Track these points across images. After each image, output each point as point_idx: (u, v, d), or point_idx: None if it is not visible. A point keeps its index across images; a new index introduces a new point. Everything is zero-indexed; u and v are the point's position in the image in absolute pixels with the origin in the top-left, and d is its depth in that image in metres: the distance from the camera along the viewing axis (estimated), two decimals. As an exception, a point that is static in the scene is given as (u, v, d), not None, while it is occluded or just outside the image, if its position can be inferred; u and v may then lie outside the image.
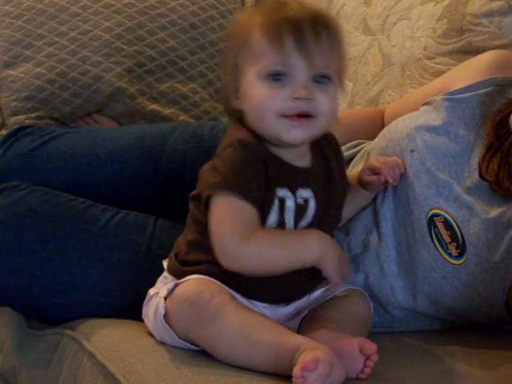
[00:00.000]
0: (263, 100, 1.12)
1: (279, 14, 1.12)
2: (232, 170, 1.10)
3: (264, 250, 1.11)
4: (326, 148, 1.22)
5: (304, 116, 1.12)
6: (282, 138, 1.12)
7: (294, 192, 1.14)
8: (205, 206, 1.13)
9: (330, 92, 1.14)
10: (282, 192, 1.14)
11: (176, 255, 1.22)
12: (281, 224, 1.14)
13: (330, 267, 1.13)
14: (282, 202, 1.14)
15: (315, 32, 1.11)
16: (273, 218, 1.13)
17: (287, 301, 1.21)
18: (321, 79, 1.13)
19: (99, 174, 1.57)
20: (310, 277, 1.20)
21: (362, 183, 1.31)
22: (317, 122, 1.13)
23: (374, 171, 1.30)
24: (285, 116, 1.11)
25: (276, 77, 1.11)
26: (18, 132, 1.63)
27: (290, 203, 1.14)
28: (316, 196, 1.16)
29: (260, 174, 1.12)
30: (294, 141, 1.13)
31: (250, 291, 1.17)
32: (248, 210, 1.10)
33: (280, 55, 1.11)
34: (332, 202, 1.21)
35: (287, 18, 1.11)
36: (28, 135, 1.62)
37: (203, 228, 1.15)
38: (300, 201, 1.15)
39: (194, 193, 1.19)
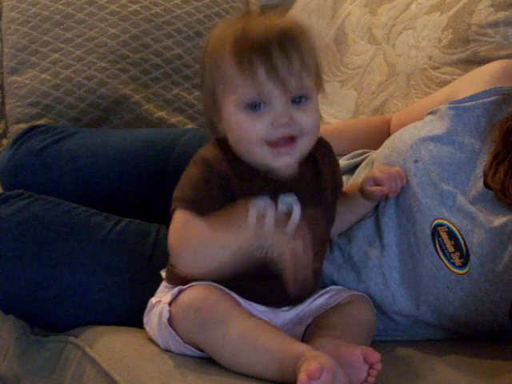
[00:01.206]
0: (245, 131, 1.13)
1: (246, 39, 1.12)
2: (189, 187, 1.14)
3: (197, 242, 1.11)
4: (320, 158, 1.23)
5: (289, 138, 1.13)
6: (271, 165, 1.15)
7: (275, 199, 1.15)
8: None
9: (310, 108, 1.15)
10: (262, 202, 1.13)
11: (172, 265, 1.22)
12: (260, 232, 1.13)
13: (282, 265, 1.09)
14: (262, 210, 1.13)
15: (285, 55, 1.11)
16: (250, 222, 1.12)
17: (290, 304, 1.21)
18: (298, 99, 1.14)
19: (107, 173, 1.58)
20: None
21: (363, 193, 1.31)
22: (301, 141, 1.14)
23: (376, 182, 1.30)
24: (270, 144, 1.13)
25: (253, 106, 1.12)
26: (31, 130, 1.64)
27: (270, 211, 1.13)
28: (302, 201, 1.17)
29: (216, 190, 1.13)
30: (283, 167, 1.15)
31: (252, 293, 1.17)
32: (196, 220, 1.12)
33: (254, 86, 1.11)
34: (322, 208, 1.21)
35: (255, 45, 1.11)
36: (40, 134, 1.63)
37: None
38: (282, 208, 1.16)
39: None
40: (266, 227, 1.11)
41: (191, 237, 1.12)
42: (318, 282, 1.27)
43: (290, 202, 1.17)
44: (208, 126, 1.21)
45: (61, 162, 1.58)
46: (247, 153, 1.15)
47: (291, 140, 1.14)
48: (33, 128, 1.65)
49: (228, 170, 1.15)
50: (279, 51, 1.11)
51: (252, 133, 1.13)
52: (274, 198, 1.16)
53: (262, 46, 1.11)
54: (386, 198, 1.32)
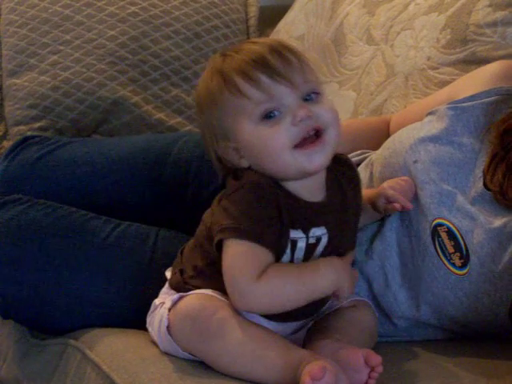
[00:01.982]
0: (269, 142, 1.10)
1: (237, 62, 1.12)
2: (244, 214, 1.08)
3: (277, 287, 1.08)
4: (340, 175, 1.20)
5: (315, 135, 1.11)
6: (307, 169, 1.11)
7: (306, 232, 1.13)
8: (216, 246, 1.11)
9: (324, 102, 1.14)
10: (295, 233, 1.12)
11: (181, 271, 1.21)
12: (290, 261, 1.13)
13: (345, 292, 1.11)
14: (294, 243, 1.12)
15: (282, 58, 1.11)
16: (285, 259, 1.13)
17: (297, 320, 1.20)
18: (309, 96, 1.12)
19: (103, 182, 1.58)
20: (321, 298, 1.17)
21: (376, 208, 1.29)
22: (328, 134, 1.12)
23: (389, 200, 1.27)
24: (298, 146, 1.10)
25: (269, 115, 1.10)
26: (25, 141, 1.63)
27: (301, 244, 1.13)
28: (329, 231, 1.15)
29: (273, 217, 1.10)
30: (319, 167, 1.12)
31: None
32: (261, 253, 1.08)
33: (262, 93, 1.10)
34: (345, 231, 1.20)
35: (250, 60, 1.11)
36: (34, 144, 1.63)
37: (210, 260, 1.14)
38: (312, 240, 1.14)
39: (204, 218, 1.18)
40: (295, 257, 1.13)
41: (271, 277, 1.08)
42: None
43: (319, 234, 1.14)
44: (224, 174, 1.17)
45: (56, 172, 1.58)
46: (280, 167, 1.11)
47: (317, 136, 1.11)
48: (26, 139, 1.64)
49: (278, 193, 1.11)
50: (274, 56, 1.11)
51: (276, 141, 1.10)
52: (306, 228, 1.13)
53: (257, 56, 1.11)
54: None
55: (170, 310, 1.16)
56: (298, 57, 1.12)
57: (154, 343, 1.21)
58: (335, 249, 1.17)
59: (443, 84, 1.62)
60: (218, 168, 1.18)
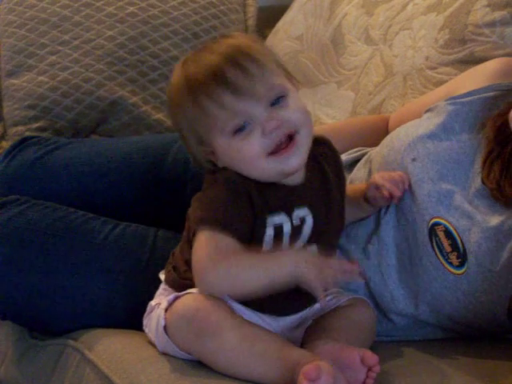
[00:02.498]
0: (244, 154, 1.13)
1: (197, 78, 1.13)
2: (215, 206, 1.12)
3: (233, 273, 1.10)
4: (321, 157, 1.23)
5: (289, 139, 1.13)
6: (285, 171, 1.14)
7: (290, 215, 1.15)
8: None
9: (292, 103, 1.15)
10: (278, 218, 1.14)
11: (174, 268, 1.23)
12: (276, 250, 1.15)
13: (310, 283, 1.09)
14: (280, 228, 1.15)
15: (241, 69, 1.12)
16: (267, 247, 1.14)
17: (292, 312, 1.21)
18: (276, 101, 1.14)
19: (102, 182, 1.58)
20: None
21: (367, 199, 1.31)
22: (300, 136, 1.14)
23: (378, 188, 1.29)
24: (272, 153, 1.12)
25: (239, 129, 1.12)
26: (23, 142, 1.64)
27: (286, 228, 1.15)
28: (313, 211, 1.17)
29: (244, 208, 1.12)
30: (296, 168, 1.15)
31: (255, 304, 1.17)
32: (226, 241, 1.11)
33: (227, 113, 1.12)
34: (331, 211, 1.21)
35: (210, 75, 1.12)
36: (32, 145, 1.63)
37: None
38: (296, 222, 1.16)
39: (188, 213, 1.20)
40: (283, 246, 1.14)
41: (226, 261, 1.10)
42: None
43: (303, 215, 1.17)
44: (199, 165, 1.21)
45: (55, 172, 1.58)
46: (258, 173, 1.14)
47: (290, 139, 1.13)
48: (24, 140, 1.65)
49: (249, 184, 1.14)
50: (233, 67, 1.12)
51: (251, 153, 1.12)
52: (289, 211, 1.16)
53: (216, 72, 1.12)
54: (389, 205, 1.32)
55: (166, 310, 1.16)
56: (258, 63, 1.13)
57: (152, 344, 1.21)
58: (323, 231, 1.19)
59: (441, 84, 1.62)
60: (197, 165, 1.21)
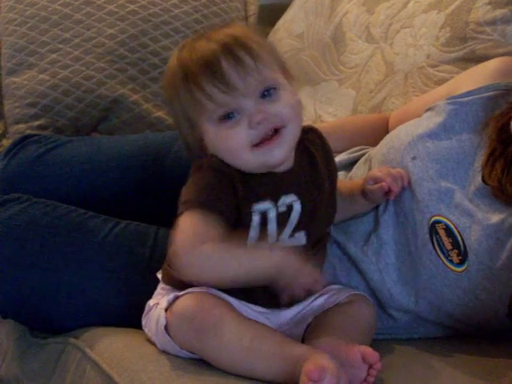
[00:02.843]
0: (228, 143, 1.14)
1: (193, 64, 1.14)
2: (197, 189, 1.14)
3: (211, 262, 1.10)
4: (310, 144, 1.24)
5: (274, 132, 1.13)
6: (268, 163, 1.14)
7: (276, 201, 1.16)
8: None
9: (283, 97, 1.15)
10: (263, 205, 1.15)
11: (169, 265, 1.22)
12: (263, 237, 1.15)
13: (283, 288, 1.10)
14: (264, 215, 1.15)
15: (235, 60, 1.12)
16: (253, 233, 1.15)
17: (289, 304, 1.21)
18: (267, 93, 1.14)
19: (103, 180, 1.58)
20: None
21: (364, 193, 1.31)
22: (286, 130, 1.14)
23: (376, 181, 1.30)
24: (256, 146, 1.13)
25: (227, 116, 1.13)
26: (24, 140, 1.64)
27: (271, 214, 1.15)
28: (301, 198, 1.17)
29: (226, 191, 1.13)
30: (280, 161, 1.15)
31: (251, 296, 1.17)
32: (209, 221, 1.11)
33: (218, 101, 1.13)
34: (321, 198, 1.21)
35: (204, 66, 1.13)
36: (33, 143, 1.63)
37: None
38: (282, 208, 1.16)
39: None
40: (269, 232, 1.15)
41: (211, 245, 1.10)
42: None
43: (290, 201, 1.17)
44: (190, 152, 1.22)
45: (56, 170, 1.58)
46: (241, 163, 1.15)
47: (275, 132, 1.14)
48: (25, 138, 1.65)
49: (233, 172, 1.15)
50: (227, 58, 1.12)
51: (235, 142, 1.13)
52: (275, 198, 1.16)
53: (209, 61, 1.13)
54: (387, 200, 1.32)
55: (166, 310, 1.16)
56: (253, 54, 1.13)
57: (153, 343, 1.21)
58: (312, 218, 1.19)
59: (443, 82, 1.62)
60: (187, 153, 1.22)
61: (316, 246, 1.23)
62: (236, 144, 1.13)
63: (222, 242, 1.11)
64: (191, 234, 1.11)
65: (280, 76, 1.17)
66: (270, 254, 1.11)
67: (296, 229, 1.18)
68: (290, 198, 1.17)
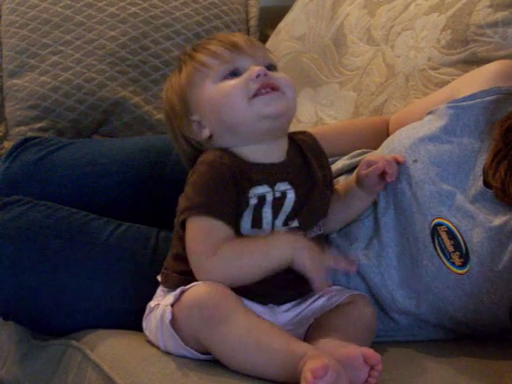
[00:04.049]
0: (228, 92, 1.19)
1: (206, 44, 1.23)
2: (199, 192, 1.16)
3: (231, 263, 1.14)
4: (301, 143, 1.27)
5: (272, 87, 1.18)
6: (264, 113, 1.18)
7: (272, 186, 1.18)
8: (181, 229, 1.18)
9: (283, 74, 1.22)
10: (261, 188, 1.18)
11: (166, 268, 1.25)
12: (257, 222, 1.18)
13: (306, 266, 1.13)
14: (262, 198, 1.17)
15: (246, 38, 1.23)
16: (247, 218, 1.17)
17: (282, 302, 1.22)
18: (269, 67, 1.21)
19: (104, 182, 1.58)
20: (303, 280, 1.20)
21: (359, 180, 1.31)
22: (284, 94, 1.19)
23: (371, 164, 1.30)
24: (255, 95, 1.18)
25: (231, 73, 1.19)
26: (25, 143, 1.64)
27: (269, 198, 1.18)
28: (295, 188, 1.20)
29: (229, 188, 1.15)
30: (276, 111, 1.18)
31: (252, 292, 1.18)
32: (217, 226, 1.14)
33: (223, 55, 1.20)
34: (314, 191, 1.23)
35: (216, 40, 1.23)
36: (34, 145, 1.63)
37: (185, 244, 1.18)
38: (278, 194, 1.19)
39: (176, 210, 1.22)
40: (264, 216, 1.17)
41: (224, 253, 1.13)
42: None
43: (284, 189, 1.19)
44: (188, 160, 1.26)
45: (57, 172, 1.58)
46: (240, 117, 1.18)
47: (274, 88, 1.19)
48: (26, 140, 1.65)
49: (232, 164, 1.17)
50: (239, 36, 1.23)
51: (233, 93, 1.18)
52: (271, 183, 1.19)
53: (223, 38, 1.23)
54: (385, 187, 1.31)
55: (172, 305, 1.16)
56: (262, 42, 1.26)
57: (154, 345, 1.22)
58: (305, 208, 1.21)
59: (444, 84, 1.62)
60: (184, 158, 1.27)
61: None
62: (234, 95, 1.18)
63: (233, 239, 1.14)
64: (202, 242, 1.14)
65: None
66: (284, 238, 1.15)
67: (289, 218, 1.20)
68: (284, 186, 1.19)
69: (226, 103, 1.19)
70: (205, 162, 1.18)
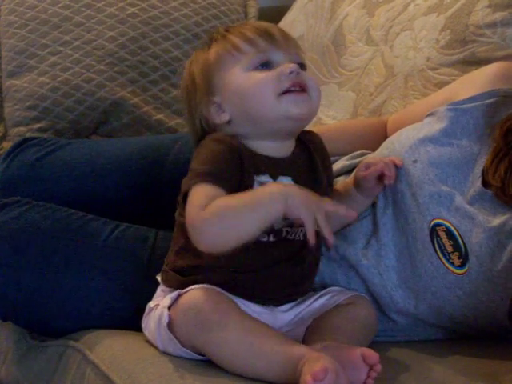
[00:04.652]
0: (259, 84, 1.17)
1: (242, 28, 1.22)
2: (205, 163, 1.14)
3: (224, 213, 1.08)
4: (308, 142, 1.26)
5: (300, 87, 1.17)
6: (290, 113, 1.17)
7: (274, 178, 1.17)
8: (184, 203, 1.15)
9: (312, 77, 1.22)
10: (263, 178, 1.16)
11: (166, 264, 1.24)
12: None
13: (300, 213, 1.06)
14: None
15: (282, 32, 1.22)
16: None
17: (280, 302, 1.21)
18: (302, 66, 1.21)
19: (102, 183, 1.58)
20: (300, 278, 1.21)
21: (357, 182, 1.30)
22: (311, 97, 1.18)
23: (370, 166, 1.29)
24: (284, 93, 1.16)
25: (263, 64, 1.18)
26: (24, 143, 1.64)
27: None
28: (297, 184, 1.17)
29: (233, 162, 1.14)
30: (301, 114, 1.18)
31: (251, 292, 1.18)
32: (216, 191, 1.11)
33: (259, 44, 1.18)
34: (316, 191, 1.20)
35: (252, 27, 1.21)
36: (33, 146, 1.63)
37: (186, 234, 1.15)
38: None
39: (178, 199, 1.20)
40: None
41: (219, 210, 1.08)
42: (316, 272, 1.29)
43: (287, 183, 1.18)
44: (196, 134, 1.23)
45: (56, 172, 1.58)
46: (266, 111, 1.17)
47: (302, 90, 1.17)
48: (25, 141, 1.65)
49: (239, 145, 1.17)
50: (276, 29, 1.22)
51: (265, 85, 1.16)
52: (274, 175, 1.18)
53: (259, 27, 1.21)
54: (384, 189, 1.31)
55: (169, 308, 1.16)
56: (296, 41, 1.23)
57: (152, 344, 1.21)
58: None
59: (443, 85, 1.62)
60: (194, 137, 1.24)
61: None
62: (265, 87, 1.16)
63: (221, 197, 1.10)
64: (201, 204, 1.10)
65: None
66: (274, 185, 1.12)
67: None
68: (286, 181, 1.18)
69: (254, 94, 1.17)
70: (213, 138, 1.17)
